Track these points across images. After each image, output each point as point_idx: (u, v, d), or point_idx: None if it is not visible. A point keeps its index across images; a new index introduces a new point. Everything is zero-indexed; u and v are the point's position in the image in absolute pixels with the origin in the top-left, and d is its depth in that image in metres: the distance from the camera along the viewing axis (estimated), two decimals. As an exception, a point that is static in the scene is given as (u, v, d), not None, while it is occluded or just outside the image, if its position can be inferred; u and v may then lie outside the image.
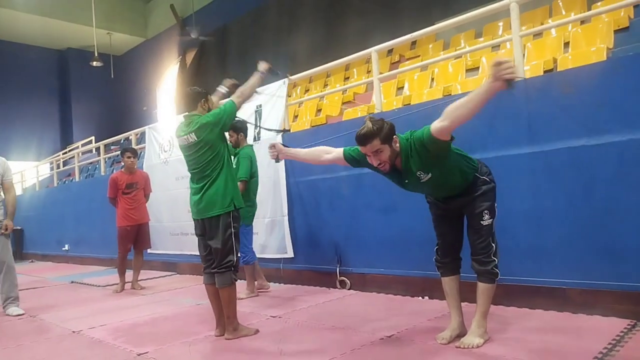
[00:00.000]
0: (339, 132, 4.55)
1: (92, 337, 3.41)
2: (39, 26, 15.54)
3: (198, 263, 6.14)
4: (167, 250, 6.71)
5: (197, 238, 3.22)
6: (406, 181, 2.55)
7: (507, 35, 4.99)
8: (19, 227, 10.75)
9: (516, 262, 3.27)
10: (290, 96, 5.60)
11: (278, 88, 5.25)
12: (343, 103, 7.75)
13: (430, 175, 2.46)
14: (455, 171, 2.52)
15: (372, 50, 4.50)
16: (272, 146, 2.91)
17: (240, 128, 4.44)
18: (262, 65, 3.42)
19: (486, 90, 2.11)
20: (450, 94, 5.35)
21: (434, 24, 4.91)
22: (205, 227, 3.11)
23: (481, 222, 2.53)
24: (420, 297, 3.89)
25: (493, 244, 2.56)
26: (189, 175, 3.23)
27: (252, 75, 3.35)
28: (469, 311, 2.77)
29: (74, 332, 3.59)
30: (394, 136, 2.46)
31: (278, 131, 4.96)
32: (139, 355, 2.89)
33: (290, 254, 4.94)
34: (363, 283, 4.35)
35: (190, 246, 6.29)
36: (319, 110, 8.05)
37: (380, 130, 2.40)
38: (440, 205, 2.71)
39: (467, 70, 6.23)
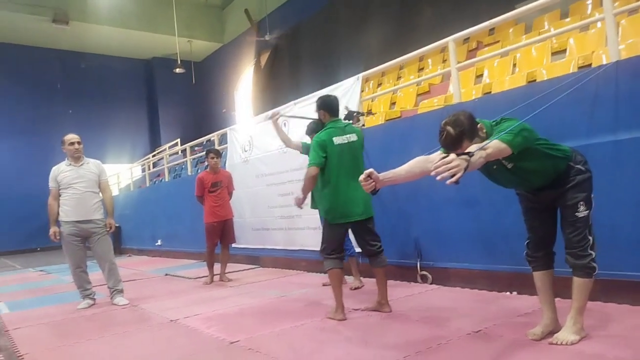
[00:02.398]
0: (415, 127, 4.48)
1: (188, 325, 3.66)
2: (125, 38, 16.85)
3: (280, 257, 6.42)
4: (250, 245, 7.00)
5: (333, 228, 3.53)
6: (494, 167, 2.43)
7: (597, 13, 4.64)
8: (117, 225, 11.70)
9: (616, 255, 3.04)
10: (363, 91, 5.58)
11: (352, 84, 5.28)
12: (418, 95, 7.61)
13: (512, 164, 2.37)
14: (543, 162, 2.40)
15: (450, 40, 4.35)
16: (368, 177, 2.47)
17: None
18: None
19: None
20: (534, 80, 5.07)
21: (515, 8, 4.66)
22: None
23: (576, 213, 2.40)
24: (508, 293, 3.74)
25: (590, 237, 2.41)
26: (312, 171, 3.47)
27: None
28: (563, 307, 2.63)
29: (171, 320, 3.87)
30: (478, 125, 2.37)
31: (361, 113, 4.82)
32: (231, 343, 3.07)
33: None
34: (446, 277, 4.27)
35: (271, 240, 6.52)
36: (393, 104, 7.96)
37: (462, 131, 2.26)
38: (530, 197, 2.59)
39: (553, 54, 5.83)
